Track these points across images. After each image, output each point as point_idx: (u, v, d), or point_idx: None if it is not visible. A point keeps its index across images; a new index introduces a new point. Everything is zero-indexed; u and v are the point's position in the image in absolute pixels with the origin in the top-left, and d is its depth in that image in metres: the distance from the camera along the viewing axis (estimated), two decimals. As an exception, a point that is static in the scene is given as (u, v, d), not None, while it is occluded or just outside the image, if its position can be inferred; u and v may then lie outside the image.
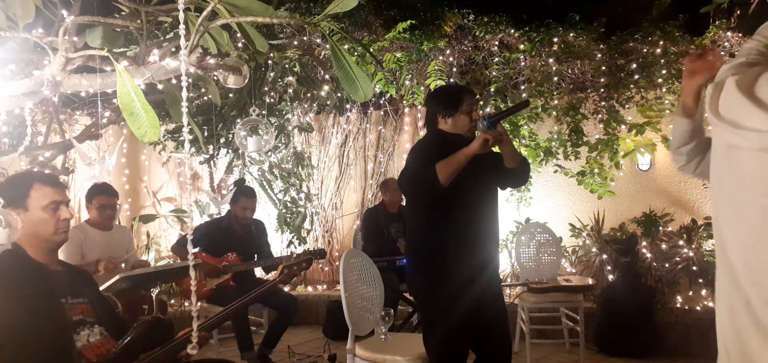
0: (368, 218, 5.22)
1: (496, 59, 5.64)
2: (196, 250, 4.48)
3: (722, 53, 5.18)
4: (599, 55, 5.40)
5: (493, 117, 2.69)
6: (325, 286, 6.42)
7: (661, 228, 5.09)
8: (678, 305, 4.80)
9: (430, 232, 2.65)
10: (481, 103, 5.51)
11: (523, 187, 5.60)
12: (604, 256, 5.10)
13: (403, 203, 5.26)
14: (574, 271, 5.50)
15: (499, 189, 2.85)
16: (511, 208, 5.69)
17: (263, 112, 4.54)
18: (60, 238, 2.04)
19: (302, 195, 5.67)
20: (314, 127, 6.50)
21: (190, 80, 1.28)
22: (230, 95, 4.66)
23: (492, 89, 5.56)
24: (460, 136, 2.71)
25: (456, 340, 2.65)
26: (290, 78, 5.16)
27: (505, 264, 5.68)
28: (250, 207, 4.58)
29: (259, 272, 4.86)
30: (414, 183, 2.65)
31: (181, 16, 1.24)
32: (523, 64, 5.59)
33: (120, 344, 1.98)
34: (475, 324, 2.67)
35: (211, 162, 5.43)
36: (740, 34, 5.15)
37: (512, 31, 5.62)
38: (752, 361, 1.18)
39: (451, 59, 5.73)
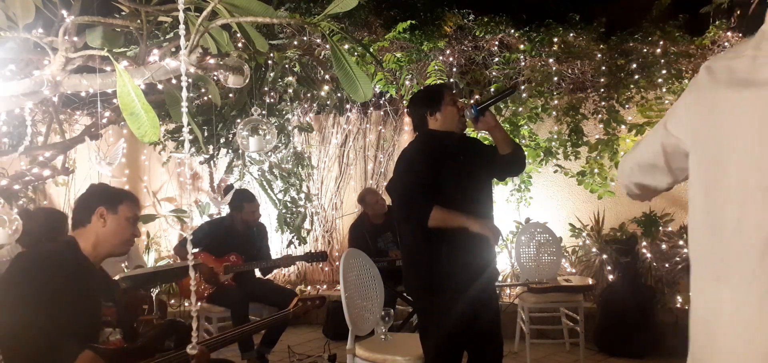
0: (354, 235, 5.02)
1: (496, 59, 5.64)
2: (197, 250, 4.48)
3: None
4: (599, 55, 5.40)
5: (480, 104, 2.71)
6: (325, 286, 6.42)
7: (661, 228, 5.09)
8: (678, 305, 4.80)
9: (425, 236, 2.63)
10: (477, 96, 5.51)
11: (523, 187, 5.60)
12: (604, 256, 5.10)
13: (388, 210, 5.14)
14: (574, 271, 5.49)
15: (496, 184, 2.86)
16: (511, 208, 5.69)
17: (263, 112, 4.54)
18: (126, 249, 2.23)
19: (302, 195, 5.67)
20: (314, 127, 6.50)
21: (190, 80, 1.28)
22: (230, 95, 4.66)
23: (492, 89, 5.56)
24: (449, 133, 2.72)
25: (452, 344, 2.65)
26: (290, 78, 5.16)
27: (505, 264, 5.68)
28: (256, 209, 4.61)
29: (257, 272, 4.86)
30: (408, 210, 2.66)
31: (181, 16, 1.24)
32: (523, 64, 5.59)
33: (140, 340, 2.15)
34: (471, 327, 2.67)
35: (211, 162, 5.43)
36: (740, 34, 5.16)
37: (512, 31, 5.63)
38: None
39: (451, 59, 5.73)
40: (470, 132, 3.35)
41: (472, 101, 2.73)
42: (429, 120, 2.74)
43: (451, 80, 5.63)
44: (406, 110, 3.35)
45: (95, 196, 2.19)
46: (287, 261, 4.76)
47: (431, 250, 2.64)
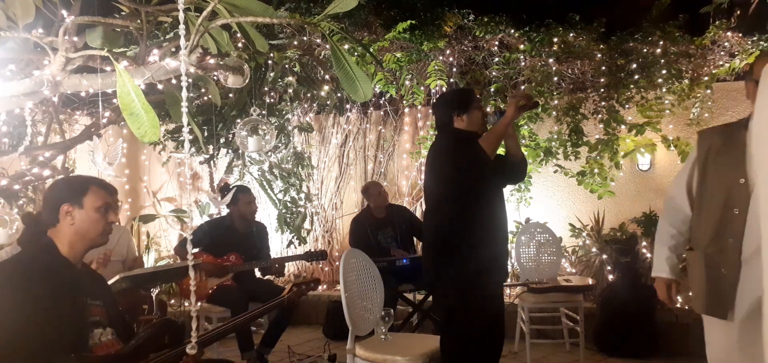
0: (355, 229, 5.07)
1: (496, 59, 5.63)
2: (197, 250, 4.48)
3: (722, 53, 5.19)
4: (599, 55, 5.40)
5: (504, 113, 2.89)
6: (325, 286, 6.42)
7: (660, 228, 5.09)
8: (678, 305, 4.80)
9: (457, 223, 2.79)
10: (482, 102, 5.52)
11: (523, 187, 5.60)
12: (604, 256, 5.10)
13: (390, 205, 5.19)
14: (574, 271, 5.49)
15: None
16: (511, 208, 5.68)
17: (263, 112, 4.54)
18: (104, 239, 2.11)
19: (302, 195, 5.67)
20: (314, 127, 6.50)
21: (190, 80, 1.28)
22: (230, 95, 4.66)
23: (492, 89, 5.56)
24: (476, 133, 2.87)
25: (479, 318, 2.76)
26: (290, 78, 5.16)
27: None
28: (253, 200, 4.65)
29: (257, 272, 4.86)
30: (468, 168, 2.77)
31: (181, 16, 1.24)
32: (523, 64, 5.59)
33: (133, 343, 2.05)
34: (489, 311, 2.82)
35: (211, 162, 5.43)
36: (740, 34, 5.16)
37: (512, 31, 5.62)
38: None
39: (451, 59, 5.73)
40: None
41: (492, 109, 2.93)
42: (455, 120, 2.90)
43: (452, 80, 5.63)
44: (431, 109, 3.57)
45: (57, 192, 2.06)
46: (285, 260, 4.77)
47: (461, 235, 2.78)
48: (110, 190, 2.15)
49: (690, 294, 2.47)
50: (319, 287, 6.39)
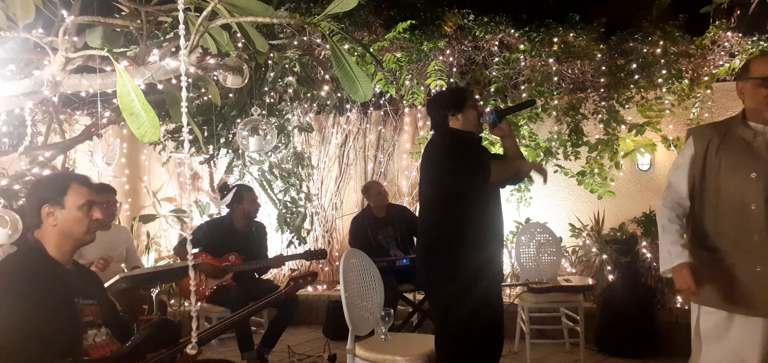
0: (355, 229, 5.07)
1: (496, 59, 5.63)
2: (197, 250, 4.48)
3: (722, 53, 5.19)
4: (599, 55, 5.40)
5: (500, 112, 2.89)
6: (325, 286, 6.42)
7: (661, 228, 5.08)
8: (678, 305, 4.79)
9: (451, 224, 2.76)
10: (481, 103, 5.51)
11: (523, 187, 5.60)
12: (604, 256, 5.10)
13: (390, 205, 5.20)
14: (574, 271, 5.49)
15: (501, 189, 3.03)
16: (511, 208, 5.69)
17: (263, 112, 4.53)
18: (90, 237, 2.05)
19: (302, 195, 5.67)
20: (314, 127, 6.50)
21: (190, 80, 1.28)
22: (230, 95, 4.65)
23: (492, 89, 5.56)
24: (471, 133, 2.84)
25: (473, 321, 2.73)
26: (290, 78, 5.15)
27: (505, 264, 5.68)
28: (256, 198, 4.68)
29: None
30: (463, 169, 2.74)
31: (181, 16, 1.24)
32: (523, 64, 5.59)
33: (129, 344, 2.01)
34: (484, 313, 2.78)
35: (211, 162, 5.43)
36: (740, 34, 5.16)
37: (512, 31, 5.62)
38: None
39: (451, 59, 5.73)
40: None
41: (488, 109, 2.91)
42: (450, 119, 2.86)
43: (452, 80, 5.63)
44: (426, 109, 3.55)
45: (37, 193, 1.99)
46: (285, 259, 4.78)
47: (454, 236, 2.75)
48: (92, 187, 2.08)
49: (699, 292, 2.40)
50: (319, 287, 6.40)
